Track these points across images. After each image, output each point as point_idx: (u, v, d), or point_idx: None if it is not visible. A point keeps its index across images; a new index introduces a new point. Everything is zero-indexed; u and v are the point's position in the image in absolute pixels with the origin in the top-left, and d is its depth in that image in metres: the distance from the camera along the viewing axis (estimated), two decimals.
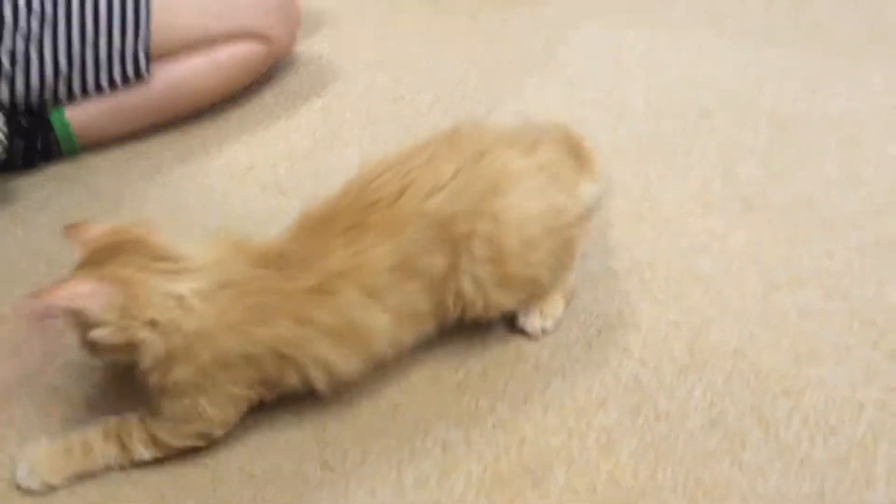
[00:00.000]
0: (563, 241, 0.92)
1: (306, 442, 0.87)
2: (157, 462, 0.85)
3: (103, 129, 1.30)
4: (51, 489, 0.83)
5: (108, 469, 0.84)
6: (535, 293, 0.93)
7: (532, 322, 0.95)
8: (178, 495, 0.83)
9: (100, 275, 0.78)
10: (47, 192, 1.23)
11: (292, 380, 0.83)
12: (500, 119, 1.31)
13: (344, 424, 0.88)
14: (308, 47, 1.52)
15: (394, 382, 0.92)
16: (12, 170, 1.24)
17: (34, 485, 0.83)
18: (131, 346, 0.78)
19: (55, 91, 1.24)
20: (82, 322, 0.77)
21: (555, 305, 0.97)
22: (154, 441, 0.83)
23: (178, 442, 0.83)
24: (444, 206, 0.85)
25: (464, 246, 0.86)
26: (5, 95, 1.22)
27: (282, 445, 0.87)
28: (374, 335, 0.84)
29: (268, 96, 1.41)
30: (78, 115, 1.27)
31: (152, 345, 0.78)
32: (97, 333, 0.77)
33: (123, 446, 0.84)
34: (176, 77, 1.31)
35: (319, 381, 0.84)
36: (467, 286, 0.87)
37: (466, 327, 0.96)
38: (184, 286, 0.79)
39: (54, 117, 1.26)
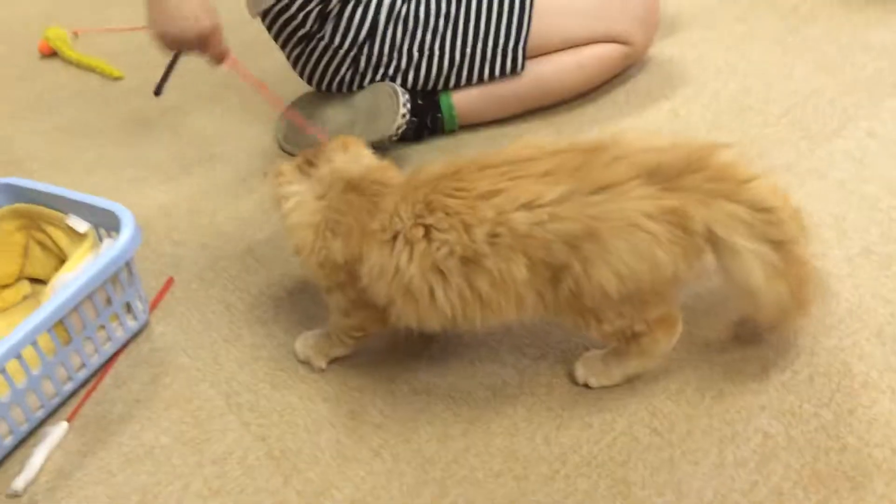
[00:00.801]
0: (641, 298, 0.91)
1: (639, 408, 1.00)
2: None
3: (479, 112, 1.51)
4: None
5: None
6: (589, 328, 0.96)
7: (582, 375, 1.02)
8: (529, 427, 1.01)
9: None
10: (431, 159, 1.45)
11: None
12: (851, 138, 1.32)
13: (673, 401, 1.00)
14: (660, 50, 1.62)
15: (721, 371, 1.01)
16: (406, 141, 1.49)
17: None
18: None
19: (448, 78, 1.48)
20: None
21: (610, 375, 1.01)
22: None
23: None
24: (529, 228, 0.87)
25: (546, 270, 0.89)
26: (411, 81, 1.47)
27: (616, 405, 1.00)
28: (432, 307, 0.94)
29: (620, 94, 1.54)
30: (461, 99, 1.50)
31: None
32: None
33: None
34: (544, 72, 1.49)
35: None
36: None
37: (795, 333, 1.03)
38: None
39: (443, 100, 1.50)
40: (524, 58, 1.46)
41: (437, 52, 1.46)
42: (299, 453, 1.03)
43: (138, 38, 1.99)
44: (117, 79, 1.88)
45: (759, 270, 0.89)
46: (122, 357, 1.19)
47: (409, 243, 0.92)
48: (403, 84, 1.47)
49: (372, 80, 1.49)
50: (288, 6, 1.42)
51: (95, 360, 1.14)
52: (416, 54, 1.46)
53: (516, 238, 0.89)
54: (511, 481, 0.95)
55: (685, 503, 0.89)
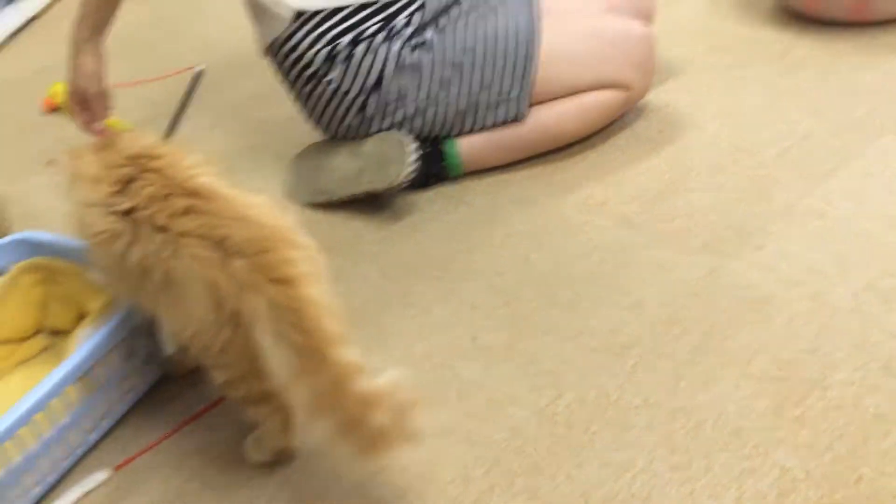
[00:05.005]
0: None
1: (657, 445, 1.02)
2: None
3: (483, 158, 1.55)
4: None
5: None
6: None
7: (246, 446, 1.08)
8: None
9: None
10: (438, 206, 1.50)
11: None
12: (846, 177, 1.37)
13: (691, 437, 1.02)
14: (657, 96, 1.66)
15: (736, 408, 1.04)
16: (412, 188, 1.52)
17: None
18: None
19: (453, 126, 1.52)
20: None
21: (258, 450, 1.07)
22: None
23: None
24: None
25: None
26: (417, 128, 1.51)
27: (635, 443, 1.02)
28: None
29: (621, 139, 1.58)
30: (465, 146, 1.54)
31: None
32: None
33: None
34: (546, 119, 1.53)
35: None
36: None
37: (811, 367, 1.06)
38: None
39: (448, 147, 1.54)
40: (528, 105, 1.51)
41: (442, 100, 1.50)
42: (324, 497, 1.04)
43: (144, 91, 2.04)
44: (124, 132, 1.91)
45: (282, 369, 0.91)
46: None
47: None
48: (410, 131, 1.51)
49: (379, 127, 1.52)
50: (297, 46, 1.46)
51: (119, 409, 1.16)
52: (422, 102, 1.50)
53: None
54: None
55: None
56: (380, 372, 0.91)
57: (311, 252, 0.95)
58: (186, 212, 0.95)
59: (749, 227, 1.32)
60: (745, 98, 1.63)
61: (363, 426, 0.90)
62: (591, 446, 1.03)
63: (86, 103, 1.37)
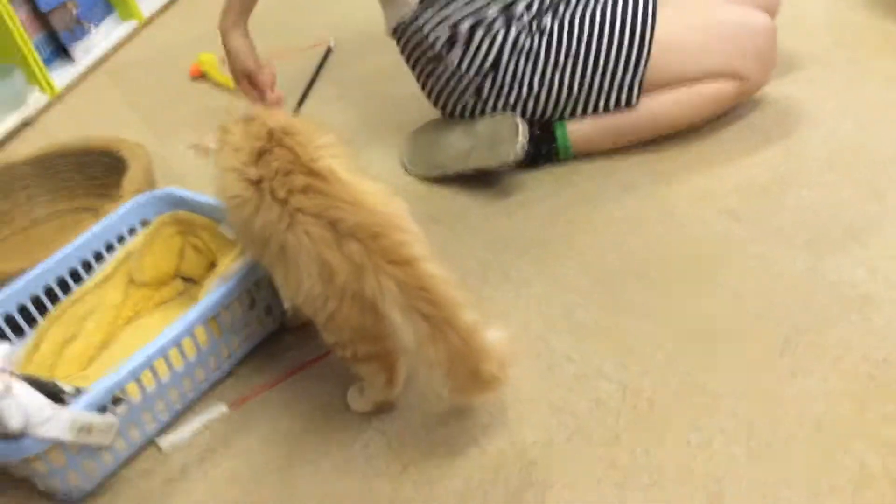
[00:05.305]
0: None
1: (738, 428, 1.05)
2: None
3: (592, 142, 1.59)
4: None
5: None
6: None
7: (349, 396, 1.19)
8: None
9: None
10: (545, 188, 1.56)
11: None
12: None
13: (772, 426, 1.04)
14: (775, 87, 1.65)
15: (822, 401, 1.06)
16: (522, 167, 1.58)
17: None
18: None
19: (564, 109, 1.56)
20: None
21: (360, 400, 1.18)
22: None
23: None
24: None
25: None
26: (529, 111, 1.57)
27: (715, 425, 1.06)
28: None
29: (734, 130, 1.58)
30: (575, 129, 1.58)
31: None
32: None
33: None
34: (658, 106, 1.55)
35: None
36: None
37: None
38: None
39: (558, 129, 1.58)
40: (640, 92, 1.53)
41: (556, 84, 1.54)
42: (416, 446, 1.13)
43: (280, 63, 2.17)
44: None
45: (412, 337, 0.99)
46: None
47: None
48: (522, 113, 1.57)
49: (493, 109, 1.59)
50: (421, 28, 1.55)
51: (239, 353, 1.28)
52: (536, 86, 1.55)
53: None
54: (611, 487, 1.02)
55: None
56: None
57: (419, 236, 1.03)
58: (304, 190, 1.03)
59: (857, 227, 1.31)
60: (867, 93, 1.59)
61: (477, 375, 1.01)
62: (671, 425, 1.07)
63: (251, 80, 1.50)
